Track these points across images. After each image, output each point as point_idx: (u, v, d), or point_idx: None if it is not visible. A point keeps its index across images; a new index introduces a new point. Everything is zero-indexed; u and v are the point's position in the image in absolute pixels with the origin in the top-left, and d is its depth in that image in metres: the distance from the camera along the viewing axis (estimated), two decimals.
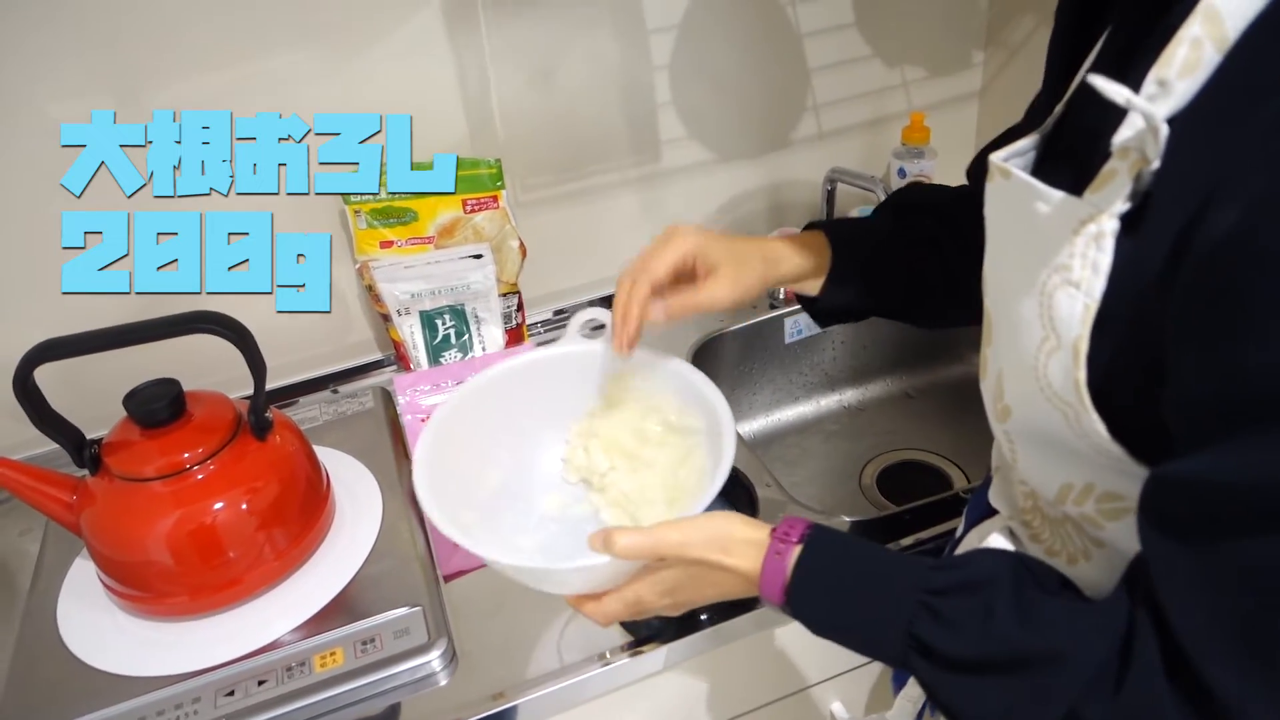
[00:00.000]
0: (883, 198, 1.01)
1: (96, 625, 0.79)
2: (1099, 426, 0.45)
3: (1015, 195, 0.49)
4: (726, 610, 0.77)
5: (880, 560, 0.55)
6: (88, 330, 0.73)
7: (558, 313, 1.17)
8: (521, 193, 1.08)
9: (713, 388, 0.71)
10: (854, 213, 1.23)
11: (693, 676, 0.85)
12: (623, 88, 1.07)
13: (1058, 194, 0.45)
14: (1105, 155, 0.43)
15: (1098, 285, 0.43)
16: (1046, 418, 0.49)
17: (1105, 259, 0.43)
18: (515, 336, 1.03)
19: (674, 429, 0.74)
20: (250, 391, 0.80)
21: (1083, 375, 0.45)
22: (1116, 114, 0.43)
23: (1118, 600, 0.46)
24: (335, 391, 1.09)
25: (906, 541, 0.85)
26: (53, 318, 0.94)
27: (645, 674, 0.77)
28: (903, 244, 0.73)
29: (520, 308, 1.03)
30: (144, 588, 0.78)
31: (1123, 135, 0.41)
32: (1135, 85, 0.41)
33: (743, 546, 0.57)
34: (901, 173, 1.21)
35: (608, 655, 0.76)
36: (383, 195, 0.94)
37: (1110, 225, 0.42)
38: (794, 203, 1.25)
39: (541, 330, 1.16)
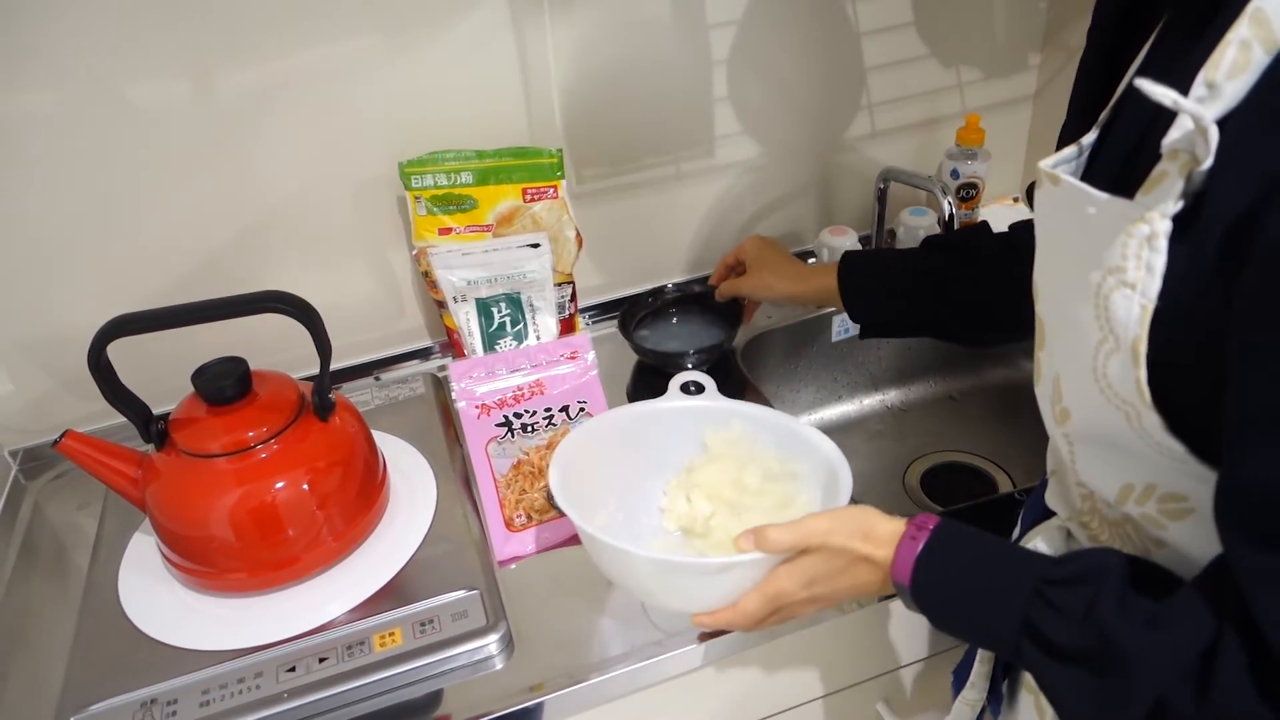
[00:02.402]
0: (941, 196, 1.01)
1: (158, 599, 0.81)
2: (1160, 424, 0.46)
3: (1066, 200, 0.49)
4: None
5: (1004, 550, 0.57)
6: (159, 307, 0.74)
7: (608, 303, 1.17)
8: (576, 184, 1.08)
9: (817, 433, 0.76)
10: (904, 213, 1.22)
11: (737, 671, 0.84)
12: (680, 82, 1.07)
13: (1108, 197, 0.45)
14: (1155, 157, 0.44)
15: (1153, 286, 0.44)
16: (1107, 419, 0.50)
17: (1159, 259, 0.43)
18: (568, 326, 1.04)
19: (774, 477, 0.77)
20: (309, 372, 0.81)
21: (1143, 375, 0.45)
22: (1165, 117, 0.44)
23: (1201, 610, 0.46)
24: (378, 379, 1.10)
25: None
26: (110, 293, 0.96)
27: (686, 669, 0.77)
28: (914, 274, 0.89)
29: (574, 298, 1.04)
30: (206, 563, 0.79)
31: (1172, 137, 0.42)
32: (1184, 88, 0.41)
33: (883, 536, 0.60)
34: (955, 174, 1.20)
35: (644, 650, 0.76)
36: (444, 183, 0.94)
37: (1163, 226, 0.43)
38: (844, 202, 1.24)
39: (590, 321, 1.16)
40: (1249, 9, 0.39)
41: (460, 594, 0.78)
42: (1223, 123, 0.40)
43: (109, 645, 0.77)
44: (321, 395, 0.80)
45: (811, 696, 0.90)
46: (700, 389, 0.84)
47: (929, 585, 0.57)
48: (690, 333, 1.12)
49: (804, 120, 1.16)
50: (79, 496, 0.97)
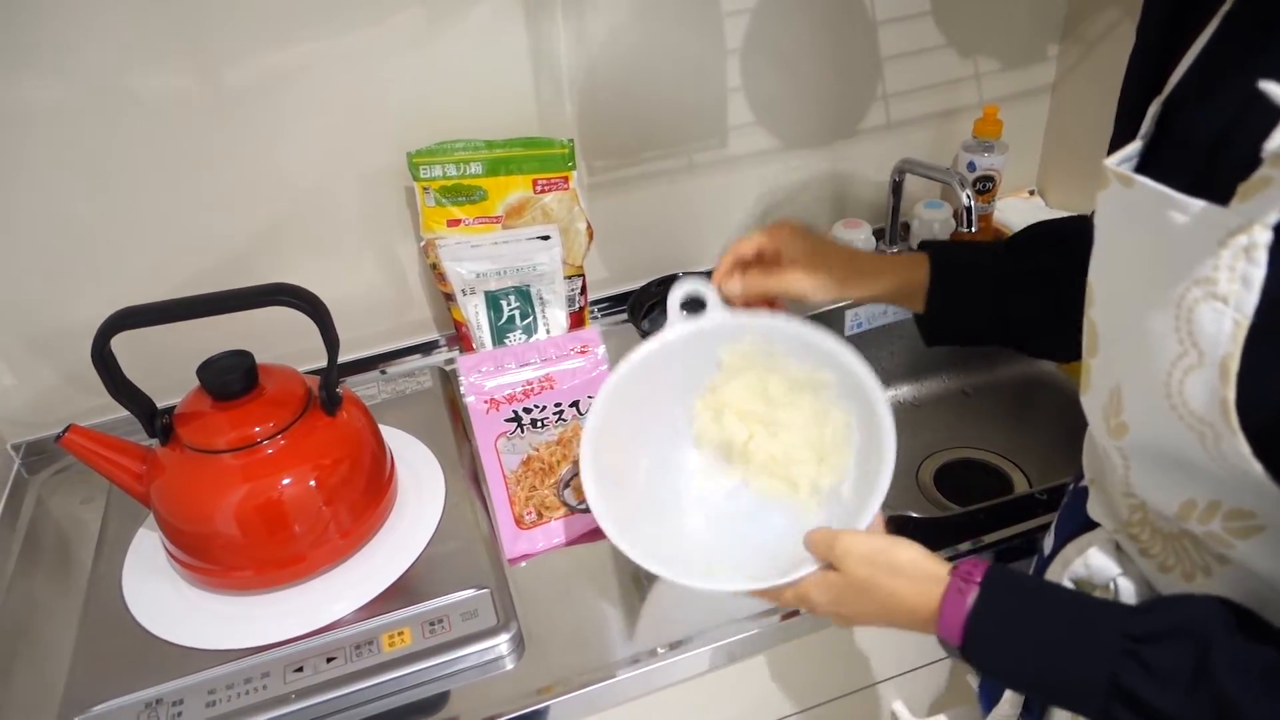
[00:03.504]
0: (959, 189, 0.99)
1: (162, 597, 0.79)
2: (1243, 449, 0.43)
3: (1140, 204, 0.46)
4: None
5: (1071, 604, 0.53)
6: (165, 299, 0.73)
7: (615, 296, 1.15)
8: (586, 175, 1.06)
9: (834, 340, 0.72)
10: (919, 206, 1.20)
11: (751, 673, 0.83)
12: (693, 72, 1.05)
13: (1199, 204, 0.42)
14: (1246, 161, 0.41)
15: (1249, 300, 0.41)
16: (1177, 437, 0.47)
17: (1258, 273, 0.41)
18: (577, 320, 1.02)
19: (800, 385, 0.74)
20: (315, 365, 0.79)
21: (1232, 395, 0.42)
22: (1254, 117, 0.41)
23: None
24: (384, 372, 1.08)
25: (988, 539, 0.83)
26: (114, 287, 0.94)
27: (696, 672, 0.76)
28: (1016, 275, 0.72)
29: (584, 291, 1.02)
30: (211, 560, 0.77)
31: (1276, 142, 0.39)
32: (1246, 90, 0.39)
33: (913, 575, 0.57)
34: (971, 166, 1.18)
35: (659, 651, 0.74)
36: (453, 173, 0.92)
37: (1264, 237, 0.40)
38: (858, 193, 1.22)
39: (599, 314, 1.15)
40: None
41: (470, 593, 0.76)
42: None
43: (113, 644, 0.75)
44: (329, 390, 0.79)
45: (826, 698, 0.89)
46: (702, 305, 0.76)
47: (986, 646, 0.53)
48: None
49: (818, 111, 1.14)
50: (82, 491, 0.96)
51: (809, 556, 0.62)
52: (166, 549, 0.80)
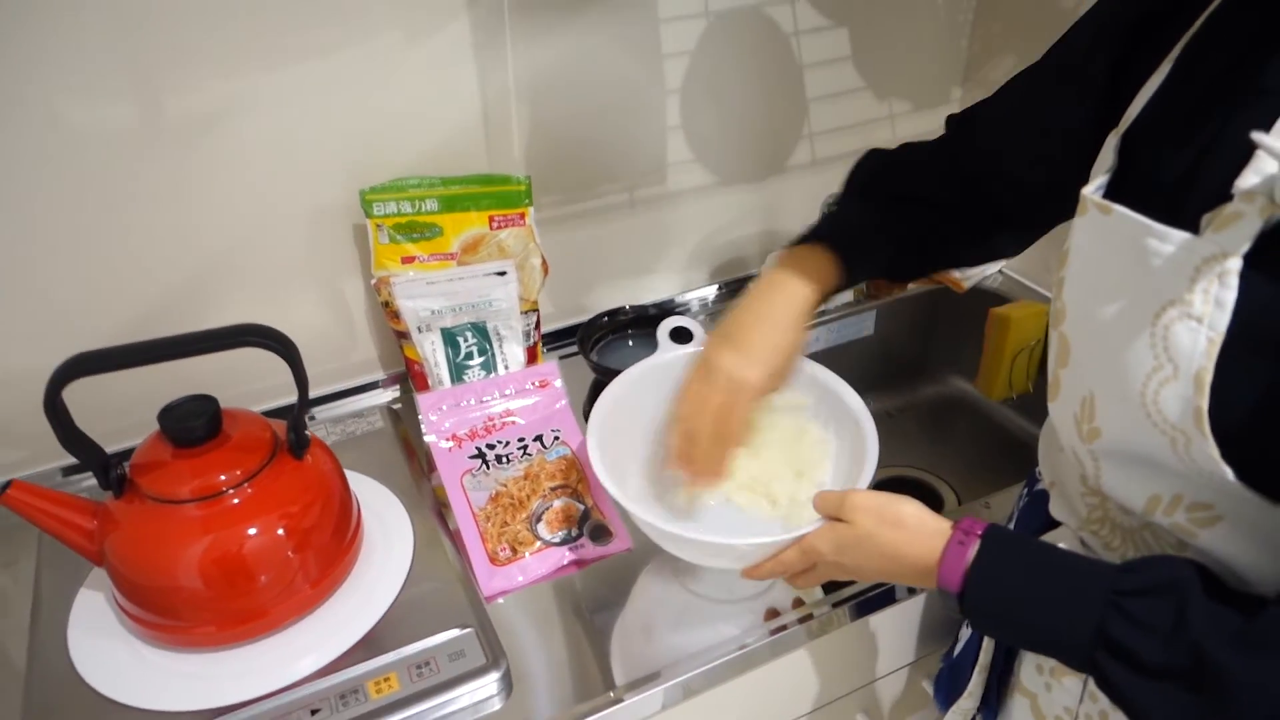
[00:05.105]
0: None
1: (115, 658, 0.75)
2: (1213, 452, 0.48)
3: (1118, 231, 0.51)
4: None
5: (1062, 560, 0.56)
6: (124, 343, 0.69)
7: (558, 331, 1.16)
8: (534, 210, 1.07)
9: (813, 363, 0.80)
10: None
11: (718, 700, 0.84)
12: (636, 110, 1.08)
13: (1178, 233, 0.48)
14: (1217, 193, 0.47)
15: (1222, 319, 0.46)
16: (1149, 441, 0.51)
17: (1230, 295, 0.46)
18: (532, 355, 1.02)
19: (777, 409, 0.79)
20: (266, 407, 0.77)
21: (1205, 404, 0.47)
22: (1221, 153, 0.47)
23: None
24: (313, 419, 1.04)
25: None
26: (45, 332, 0.89)
27: (655, 711, 0.76)
28: (905, 234, 0.76)
29: (538, 325, 1.03)
30: (172, 615, 0.73)
31: (1248, 181, 0.45)
32: (1210, 132, 0.45)
33: (916, 529, 0.60)
34: None
35: (644, 682, 0.75)
36: (408, 210, 0.92)
37: (1236, 264, 0.46)
38: (788, 227, 1.28)
39: (546, 348, 1.15)
40: None
41: (454, 632, 0.75)
42: None
43: (64, 712, 0.70)
44: (298, 432, 0.77)
45: (795, 716, 0.91)
46: (689, 336, 0.86)
47: (983, 593, 0.56)
48: (648, 352, 1.12)
49: (750, 148, 1.19)
50: (2, 554, 0.89)
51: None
52: (120, 607, 0.75)
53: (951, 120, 0.77)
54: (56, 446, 0.92)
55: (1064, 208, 0.62)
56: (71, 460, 0.93)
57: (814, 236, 0.74)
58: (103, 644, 0.76)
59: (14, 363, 0.88)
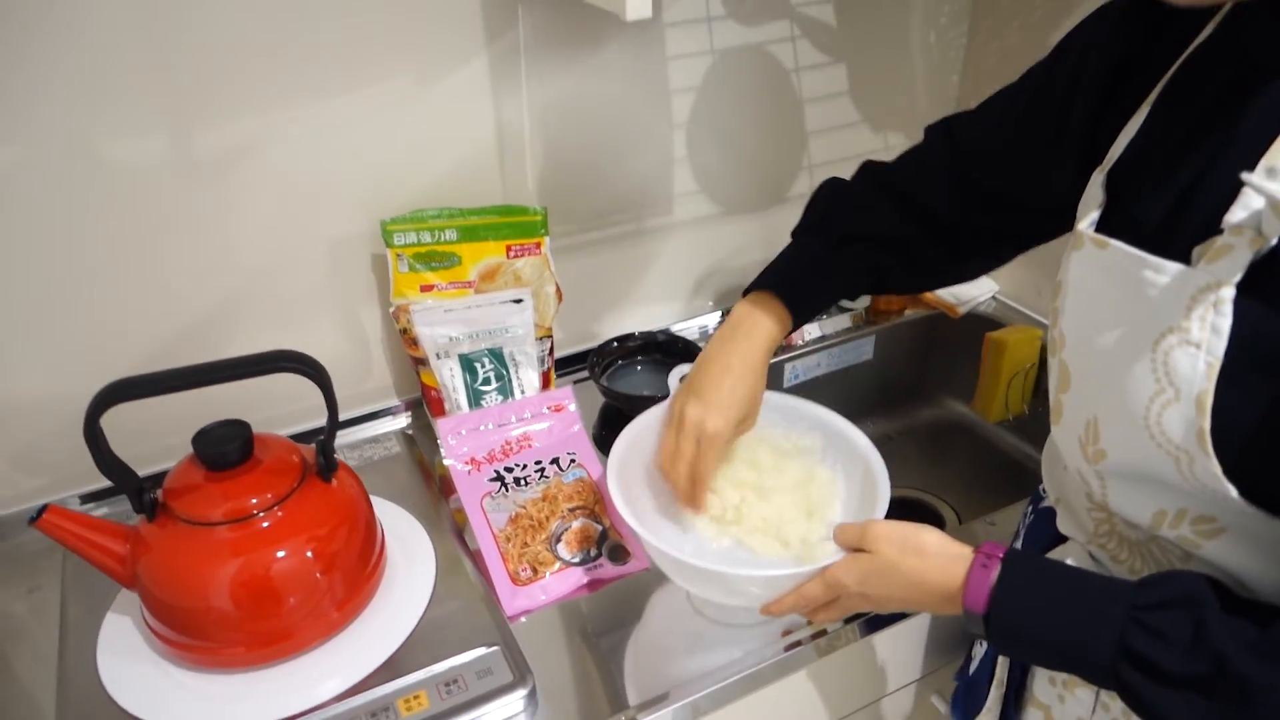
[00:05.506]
0: None
1: (147, 680, 0.76)
2: (1216, 470, 0.51)
3: (1116, 264, 0.55)
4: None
5: (1081, 579, 0.58)
6: (162, 370, 0.71)
7: (568, 357, 1.19)
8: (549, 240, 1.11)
9: (818, 406, 0.82)
10: None
11: (738, 714, 0.86)
12: (644, 143, 1.12)
13: (1174, 265, 0.51)
14: (1206, 225, 0.51)
15: (1219, 345, 0.50)
16: (1153, 461, 0.54)
17: (1226, 322, 0.49)
18: (545, 380, 1.05)
19: (785, 453, 0.81)
20: (288, 431, 0.78)
21: (1207, 425, 0.50)
22: (1207, 188, 0.51)
23: None
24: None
25: None
26: (70, 361, 0.91)
27: None
28: (851, 274, 0.82)
29: (551, 351, 1.05)
30: (202, 637, 0.75)
31: (1237, 216, 0.49)
32: (1195, 168, 0.49)
33: (938, 555, 0.62)
34: None
35: (656, 702, 0.76)
36: (428, 239, 0.95)
37: (1229, 293, 0.49)
38: None
39: (559, 374, 1.18)
40: None
41: (481, 650, 0.77)
42: None
43: None
44: (327, 455, 0.79)
45: None
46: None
47: (1008, 615, 0.57)
48: (657, 378, 1.17)
49: (752, 180, 1.23)
50: (26, 580, 0.89)
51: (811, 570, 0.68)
52: (150, 628, 0.76)
53: (932, 129, 0.83)
54: (77, 473, 0.95)
55: (1031, 231, 0.67)
56: (89, 488, 0.97)
57: (764, 284, 0.81)
58: (133, 666, 0.77)
59: (42, 390, 0.90)
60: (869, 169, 0.85)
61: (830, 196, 0.85)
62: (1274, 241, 0.48)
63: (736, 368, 0.78)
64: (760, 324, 0.79)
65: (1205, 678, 0.50)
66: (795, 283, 0.81)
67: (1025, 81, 0.74)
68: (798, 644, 0.82)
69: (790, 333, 0.82)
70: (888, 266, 0.81)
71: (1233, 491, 0.51)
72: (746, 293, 0.82)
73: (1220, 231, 0.50)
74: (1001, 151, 0.75)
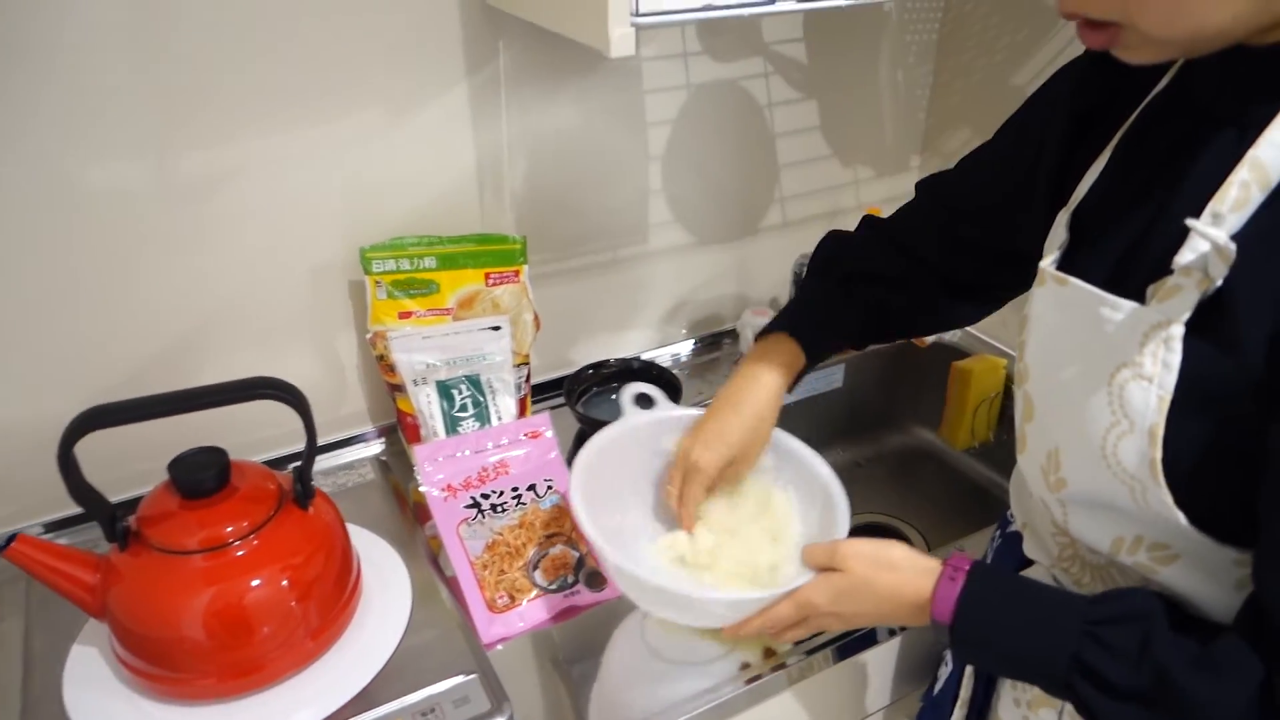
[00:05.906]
0: None
1: (116, 713, 0.74)
2: (1167, 499, 0.54)
3: (1074, 301, 0.58)
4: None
5: (1040, 592, 0.61)
6: (140, 396, 0.71)
7: (543, 384, 1.20)
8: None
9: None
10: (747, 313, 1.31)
11: None
12: (620, 174, 1.14)
13: (1128, 304, 0.54)
14: (1156, 265, 0.53)
15: (1170, 379, 0.52)
16: (1110, 489, 0.57)
17: (1175, 358, 0.52)
18: (522, 406, 1.05)
19: (745, 479, 0.83)
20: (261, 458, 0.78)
21: (1159, 455, 0.53)
22: (1160, 231, 0.54)
23: (1247, 655, 0.51)
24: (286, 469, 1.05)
25: None
26: (44, 386, 0.89)
27: None
28: (859, 309, 0.84)
29: (528, 379, 1.06)
30: (174, 668, 0.74)
31: (1186, 258, 0.51)
32: (1149, 212, 0.52)
33: (908, 569, 0.64)
34: None
35: None
36: (407, 267, 0.95)
37: (1179, 330, 0.52)
38: (760, 286, 1.34)
39: (535, 401, 1.18)
40: (1248, 156, 0.50)
41: (458, 679, 0.77)
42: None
43: None
44: (305, 483, 0.78)
45: None
46: (651, 402, 0.91)
47: (972, 625, 0.60)
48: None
49: (725, 211, 1.26)
50: None
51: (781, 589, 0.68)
52: (120, 660, 0.75)
53: (920, 185, 0.86)
54: (43, 501, 0.93)
55: (1018, 276, 0.69)
56: (53, 515, 0.95)
57: (777, 326, 0.84)
58: (100, 699, 0.75)
59: (11, 415, 0.88)
60: (869, 221, 0.89)
61: (834, 244, 0.88)
62: (1219, 283, 0.50)
63: (744, 407, 0.80)
64: (774, 364, 0.81)
65: (1147, 690, 0.52)
66: (805, 322, 0.84)
67: (999, 137, 0.77)
68: (763, 675, 0.82)
69: (806, 370, 0.83)
70: (892, 304, 0.84)
71: (1183, 519, 0.54)
72: (759, 337, 0.85)
73: (1171, 272, 0.52)
74: (981, 204, 0.78)
